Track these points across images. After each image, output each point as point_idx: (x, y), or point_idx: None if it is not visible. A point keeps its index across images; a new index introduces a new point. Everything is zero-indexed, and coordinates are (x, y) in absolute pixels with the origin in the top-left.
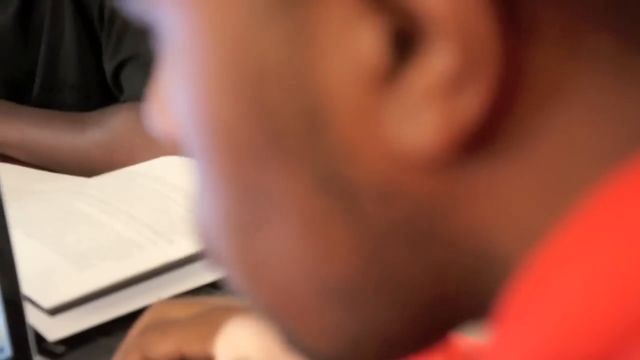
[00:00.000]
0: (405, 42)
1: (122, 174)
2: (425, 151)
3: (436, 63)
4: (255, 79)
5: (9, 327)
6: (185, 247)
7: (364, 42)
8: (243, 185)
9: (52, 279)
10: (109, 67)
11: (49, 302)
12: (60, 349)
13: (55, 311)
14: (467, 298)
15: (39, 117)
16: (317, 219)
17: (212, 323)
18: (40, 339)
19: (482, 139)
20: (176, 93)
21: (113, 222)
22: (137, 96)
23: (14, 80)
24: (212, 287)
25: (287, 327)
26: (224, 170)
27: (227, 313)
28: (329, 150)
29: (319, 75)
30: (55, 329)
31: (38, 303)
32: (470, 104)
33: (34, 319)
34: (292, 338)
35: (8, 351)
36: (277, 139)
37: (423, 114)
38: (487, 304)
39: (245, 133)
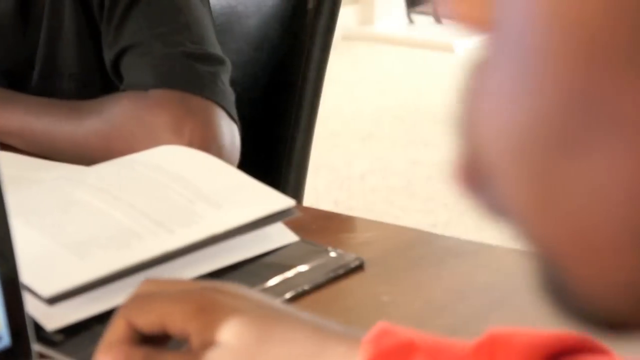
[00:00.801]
0: None
1: (122, 163)
2: None
3: None
4: None
5: (8, 316)
6: (184, 236)
7: None
8: (584, 97)
9: (50, 267)
10: (108, 55)
11: (48, 291)
12: (58, 337)
13: (53, 300)
14: None
15: (38, 105)
16: None
17: (196, 303)
18: (38, 327)
19: None
20: None
21: (112, 211)
22: (136, 85)
23: (13, 69)
24: (211, 277)
25: (572, 271)
26: (561, 76)
27: (213, 295)
28: None
29: None
30: (53, 319)
31: (36, 292)
32: None
33: (33, 308)
34: (571, 286)
35: (7, 340)
36: None
37: None
38: None
39: (613, 40)
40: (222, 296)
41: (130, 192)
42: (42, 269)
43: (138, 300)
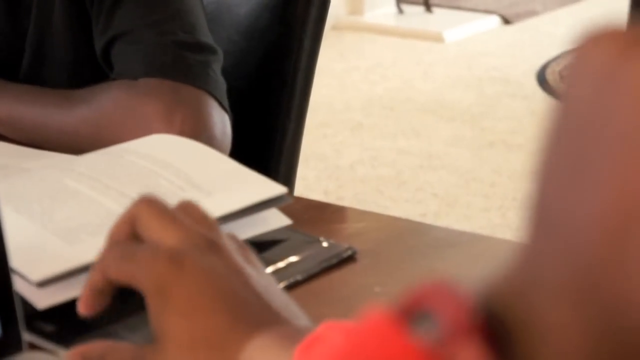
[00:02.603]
0: None
1: (112, 152)
2: None
3: None
4: None
5: None
6: None
7: None
8: None
9: (40, 253)
10: (98, 43)
11: (37, 275)
12: (49, 328)
13: (43, 284)
14: None
15: (27, 93)
16: None
17: (153, 282)
18: (29, 317)
19: None
20: None
21: (102, 199)
22: (127, 74)
23: (3, 57)
24: None
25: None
26: None
27: (176, 271)
28: None
29: None
30: (43, 299)
31: (25, 276)
32: None
33: (22, 290)
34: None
35: None
36: None
37: None
38: None
39: None
40: (184, 275)
41: (121, 180)
42: (31, 254)
43: (114, 255)
